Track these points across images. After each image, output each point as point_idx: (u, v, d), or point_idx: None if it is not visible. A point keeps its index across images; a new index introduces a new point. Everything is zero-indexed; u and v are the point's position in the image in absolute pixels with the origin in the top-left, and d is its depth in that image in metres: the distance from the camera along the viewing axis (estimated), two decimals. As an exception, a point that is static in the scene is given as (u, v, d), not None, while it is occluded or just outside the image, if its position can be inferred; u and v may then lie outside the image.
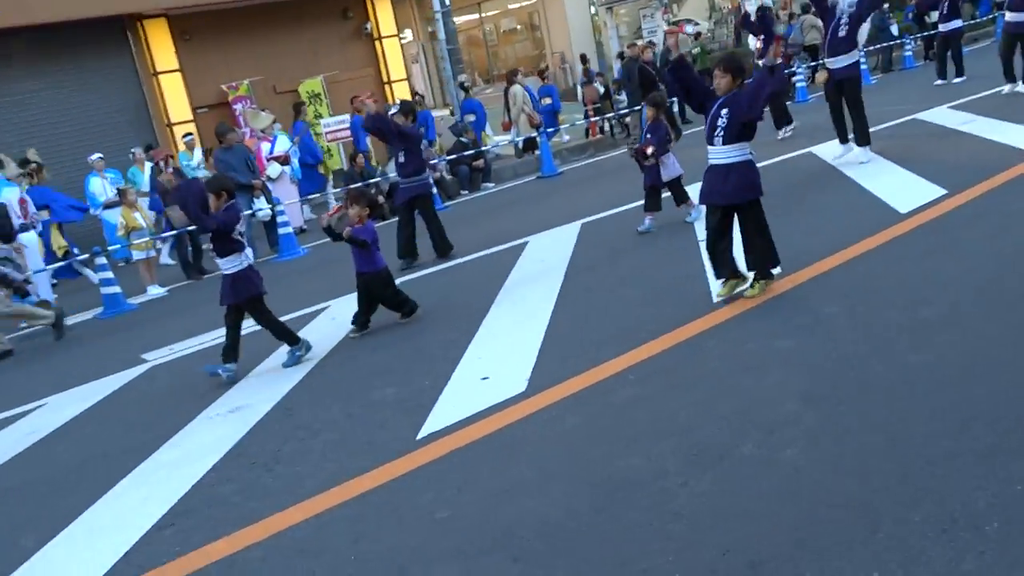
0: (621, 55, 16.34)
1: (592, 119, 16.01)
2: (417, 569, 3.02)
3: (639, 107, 11.39)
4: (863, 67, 15.16)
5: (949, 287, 4.72)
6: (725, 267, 5.22)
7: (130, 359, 6.77)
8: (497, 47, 32.07)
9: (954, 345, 3.95)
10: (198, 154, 13.14)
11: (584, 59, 18.39)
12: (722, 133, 5.09)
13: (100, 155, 12.44)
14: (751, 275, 5.27)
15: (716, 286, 5.32)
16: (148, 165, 13.10)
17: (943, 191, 6.69)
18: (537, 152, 14.39)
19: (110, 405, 5.82)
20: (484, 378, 4.76)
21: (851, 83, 8.64)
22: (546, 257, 7.47)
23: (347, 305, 6.74)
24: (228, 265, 5.67)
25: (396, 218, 9.10)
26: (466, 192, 13.12)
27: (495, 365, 4.94)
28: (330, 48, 17.63)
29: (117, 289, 9.01)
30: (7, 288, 7.91)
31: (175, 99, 15.79)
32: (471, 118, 15.01)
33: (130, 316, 8.82)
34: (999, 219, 5.74)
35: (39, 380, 6.80)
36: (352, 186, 11.39)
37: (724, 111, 5.08)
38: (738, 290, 5.22)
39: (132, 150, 13.23)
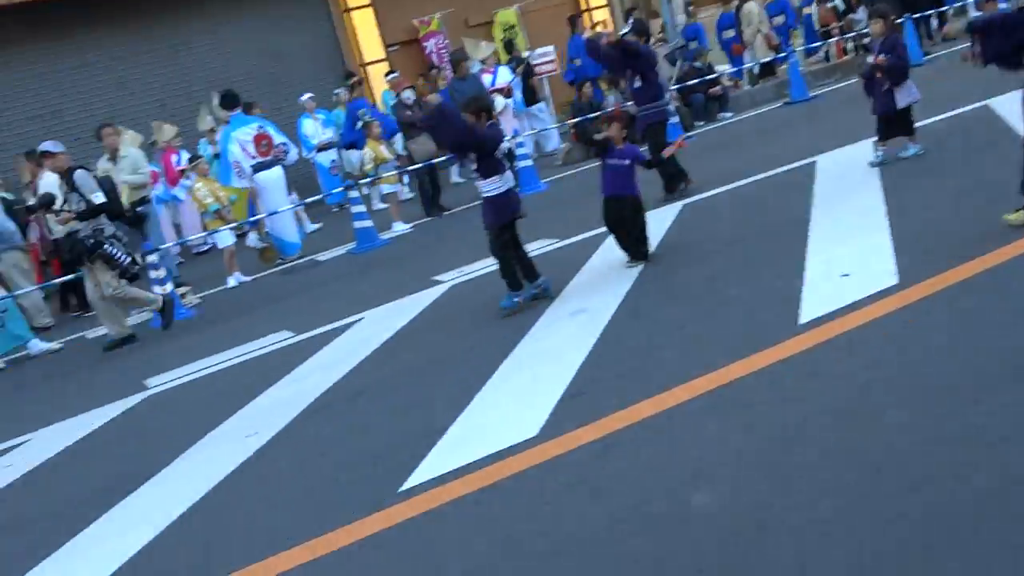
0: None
1: (834, 39, 16.23)
2: (861, 418, 3.74)
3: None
4: None
5: None
6: None
7: (422, 283, 7.89)
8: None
9: None
10: (409, 93, 14.31)
11: None
12: None
13: (311, 95, 13.83)
14: None
15: None
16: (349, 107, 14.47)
17: None
18: (774, 78, 14.82)
19: (428, 317, 6.91)
20: (844, 275, 5.44)
21: None
22: (846, 173, 8.03)
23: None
24: (490, 187, 6.29)
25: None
26: (701, 123, 13.73)
27: (851, 264, 5.59)
28: (524, -26, 18.61)
29: (370, 223, 10.33)
30: (115, 270, 8.23)
31: (367, 36, 17.24)
32: (694, 45, 15.61)
33: (384, 251, 10.07)
34: None
35: (332, 305, 8.04)
36: (580, 118, 12.29)
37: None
38: None
39: (336, 91, 14.62)
